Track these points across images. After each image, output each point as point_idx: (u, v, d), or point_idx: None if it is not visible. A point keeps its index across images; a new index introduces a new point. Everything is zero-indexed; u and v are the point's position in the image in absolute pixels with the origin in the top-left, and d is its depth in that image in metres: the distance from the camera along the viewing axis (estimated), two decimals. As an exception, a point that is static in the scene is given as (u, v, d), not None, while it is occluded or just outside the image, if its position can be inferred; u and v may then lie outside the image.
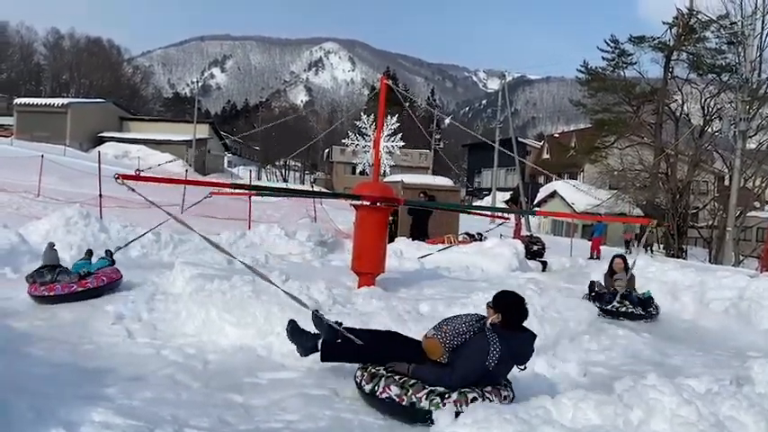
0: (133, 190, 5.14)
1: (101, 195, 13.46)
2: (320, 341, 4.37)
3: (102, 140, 47.99)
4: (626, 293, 8.22)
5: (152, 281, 7.54)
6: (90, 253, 7.65)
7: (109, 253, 7.72)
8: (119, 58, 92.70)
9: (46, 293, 6.66)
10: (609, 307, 8.05)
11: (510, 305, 4.01)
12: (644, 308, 8.10)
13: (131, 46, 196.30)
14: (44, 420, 3.16)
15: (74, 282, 6.81)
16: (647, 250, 28.40)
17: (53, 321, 5.85)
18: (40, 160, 19.23)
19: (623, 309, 8.06)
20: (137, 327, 5.65)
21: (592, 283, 8.63)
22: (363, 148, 7.72)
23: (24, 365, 4.30)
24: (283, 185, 46.72)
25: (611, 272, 8.65)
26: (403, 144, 7.68)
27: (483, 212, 19.76)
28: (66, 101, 51.61)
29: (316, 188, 35.67)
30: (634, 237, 28.08)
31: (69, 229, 9.85)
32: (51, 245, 7.29)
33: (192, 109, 53.73)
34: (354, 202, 7.24)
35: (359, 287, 6.89)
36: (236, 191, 10.54)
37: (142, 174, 5.36)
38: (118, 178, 5.17)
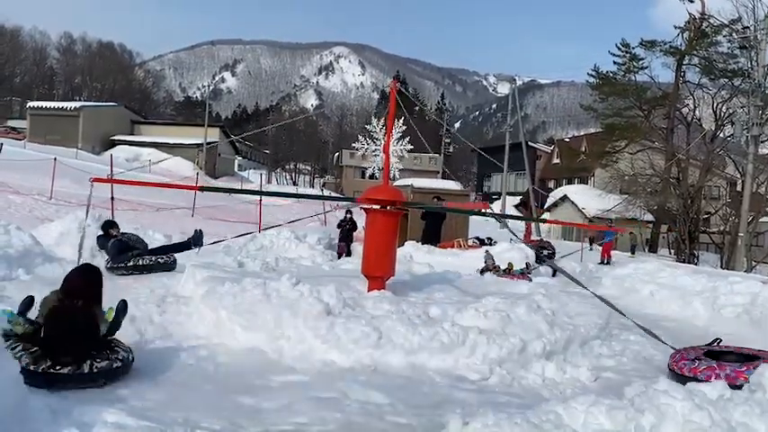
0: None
1: (113, 198, 13.59)
2: None
3: (113, 144, 48.41)
4: None
5: (163, 283, 7.57)
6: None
7: None
8: (130, 62, 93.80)
9: None
10: None
11: None
12: None
13: (143, 50, 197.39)
14: (59, 420, 3.20)
15: None
16: (633, 252, 28.14)
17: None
18: (52, 163, 19.39)
19: None
20: (148, 328, 5.67)
21: None
22: (373, 152, 7.76)
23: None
24: (293, 189, 46.80)
25: None
26: (411, 148, 7.71)
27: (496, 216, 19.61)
28: (78, 104, 52.04)
29: (325, 192, 35.75)
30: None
31: (82, 232, 9.89)
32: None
33: (203, 113, 54.01)
34: (365, 205, 7.26)
35: (369, 290, 6.88)
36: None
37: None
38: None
